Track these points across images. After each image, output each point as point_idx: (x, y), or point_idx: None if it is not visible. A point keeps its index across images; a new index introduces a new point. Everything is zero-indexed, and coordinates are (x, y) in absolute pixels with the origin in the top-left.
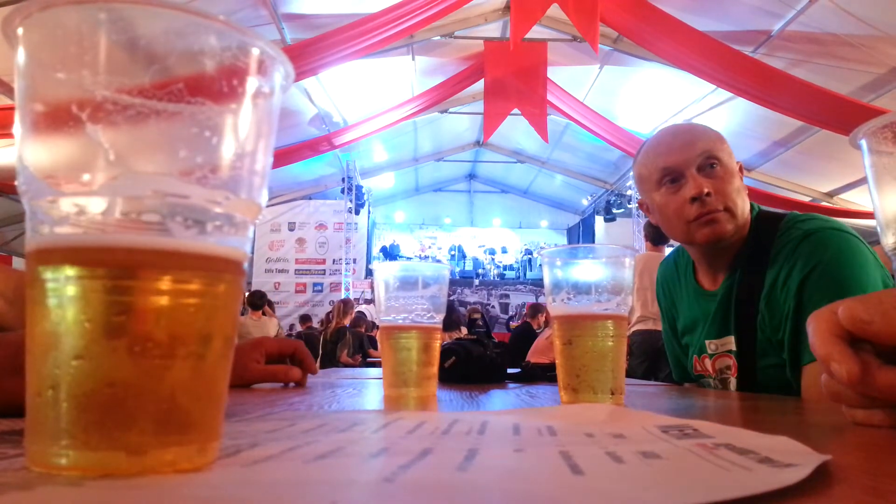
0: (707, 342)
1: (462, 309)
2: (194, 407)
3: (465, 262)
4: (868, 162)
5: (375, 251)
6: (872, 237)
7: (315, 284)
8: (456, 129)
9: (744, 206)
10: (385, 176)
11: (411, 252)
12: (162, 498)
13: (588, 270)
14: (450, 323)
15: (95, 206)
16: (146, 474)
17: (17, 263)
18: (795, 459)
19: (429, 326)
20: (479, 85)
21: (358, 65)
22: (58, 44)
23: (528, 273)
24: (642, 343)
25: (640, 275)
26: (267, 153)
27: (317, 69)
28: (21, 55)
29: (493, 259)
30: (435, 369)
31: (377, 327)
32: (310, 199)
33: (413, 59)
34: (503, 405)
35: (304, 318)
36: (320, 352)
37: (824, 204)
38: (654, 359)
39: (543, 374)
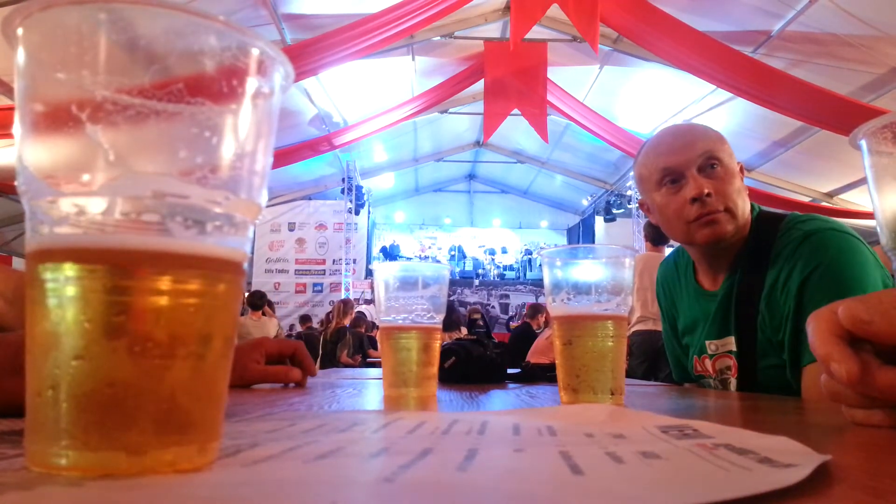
0: (707, 342)
1: (462, 309)
2: (194, 407)
3: (465, 263)
4: (868, 162)
5: (375, 251)
6: (872, 237)
7: (315, 285)
8: (456, 130)
9: (744, 207)
10: (385, 176)
11: (411, 252)
12: (162, 498)
13: (588, 271)
14: (450, 323)
15: (95, 206)
16: (146, 474)
17: (17, 263)
18: (795, 459)
19: (429, 327)
20: (479, 85)
21: (358, 65)
22: (58, 44)
23: (528, 273)
24: (642, 343)
25: (640, 275)
26: (267, 153)
27: (317, 69)
28: (21, 55)
29: (493, 259)
30: (435, 369)
31: (377, 327)
32: (310, 199)
33: (413, 59)
34: (503, 405)
35: (304, 319)
36: (320, 352)
37: (824, 204)
38: (654, 359)
39: (543, 374)
